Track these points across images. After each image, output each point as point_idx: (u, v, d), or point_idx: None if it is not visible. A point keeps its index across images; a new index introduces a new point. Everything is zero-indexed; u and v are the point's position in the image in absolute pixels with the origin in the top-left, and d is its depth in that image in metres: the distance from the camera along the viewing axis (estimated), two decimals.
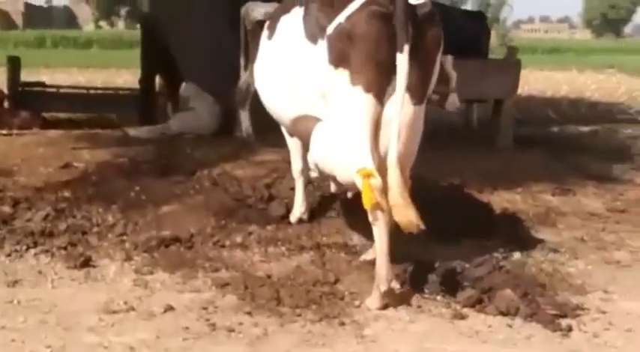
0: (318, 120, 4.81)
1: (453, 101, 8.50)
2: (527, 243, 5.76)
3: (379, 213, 4.43)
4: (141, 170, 7.35)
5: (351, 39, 4.41)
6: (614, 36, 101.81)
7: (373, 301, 4.58)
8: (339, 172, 4.74)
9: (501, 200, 6.79)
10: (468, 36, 10.28)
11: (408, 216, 4.31)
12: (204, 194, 6.62)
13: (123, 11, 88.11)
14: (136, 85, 11.93)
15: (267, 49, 5.41)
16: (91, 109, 11.83)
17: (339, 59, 4.48)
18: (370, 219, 4.49)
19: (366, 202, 4.37)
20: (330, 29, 4.53)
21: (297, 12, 4.93)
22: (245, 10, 7.39)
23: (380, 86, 4.44)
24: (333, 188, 5.65)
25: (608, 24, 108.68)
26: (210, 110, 9.60)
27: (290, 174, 6.32)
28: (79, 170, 7.34)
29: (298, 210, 6.14)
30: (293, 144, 5.91)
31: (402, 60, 4.29)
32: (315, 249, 5.58)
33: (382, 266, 4.52)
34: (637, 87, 23.85)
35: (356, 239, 5.78)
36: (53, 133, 9.51)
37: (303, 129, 5.06)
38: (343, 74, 4.47)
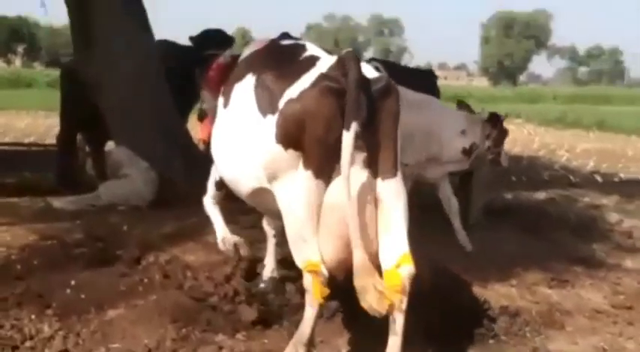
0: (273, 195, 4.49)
1: (506, 156, 8.00)
2: None
3: (319, 302, 4.24)
4: (74, 256, 6.27)
5: (302, 118, 4.11)
6: (510, 84, 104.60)
7: None
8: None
9: (497, 295, 5.99)
10: None
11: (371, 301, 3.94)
12: (156, 291, 5.58)
13: (20, 48, 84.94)
14: (46, 136, 10.65)
15: (223, 117, 5.05)
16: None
17: (288, 139, 4.19)
18: (308, 300, 4.31)
19: (316, 297, 4.20)
20: (281, 104, 4.24)
21: (250, 80, 4.66)
22: None
23: (330, 169, 4.13)
24: None
25: (504, 72, 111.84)
26: (145, 178, 8.47)
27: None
28: None
29: (221, 232, 5.95)
30: (216, 174, 5.70)
31: (348, 138, 3.95)
32: None
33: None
34: (549, 139, 23.99)
35: None
36: None
37: (261, 204, 4.86)
38: (293, 156, 4.19)
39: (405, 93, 7.43)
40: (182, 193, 8.13)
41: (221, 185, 5.66)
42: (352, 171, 4.01)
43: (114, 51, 8.65)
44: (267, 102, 4.38)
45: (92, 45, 8.72)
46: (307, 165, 4.13)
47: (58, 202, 8.20)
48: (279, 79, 4.39)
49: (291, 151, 4.18)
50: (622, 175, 16.48)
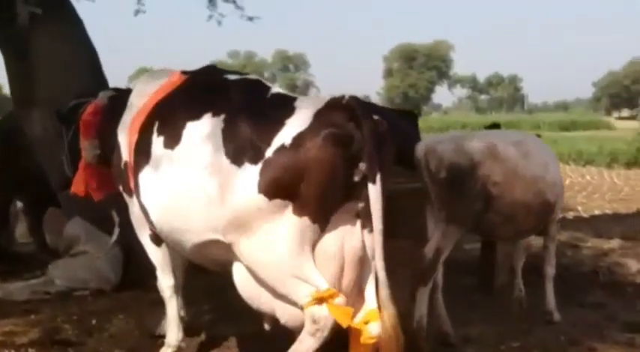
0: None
1: None
2: None
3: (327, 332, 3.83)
4: None
5: (302, 168, 3.78)
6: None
7: None
8: (282, 311, 4.02)
9: None
10: (406, 139, 8.53)
11: None
12: None
13: None
14: None
15: (167, 159, 4.39)
16: None
17: (276, 190, 3.82)
18: (310, 330, 3.85)
19: (343, 321, 3.78)
20: (269, 152, 3.86)
21: (213, 122, 4.17)
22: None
23: (327, 215, 3.86)
24: (267, 327, 4.46)
25: (408, 103, 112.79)
26: (107, 255, 6.95)
27: None
28: None
29: (174, 337, 5.15)
30: (160, 256, 5.13)
31: (376, 191, 3.76)
32: None
33: None
34: None
35: None
36: None
37: (209, 256, 4.31)
38: (281, 205, 3.82)
39: (532, 142, 6.16)
40: (152, 270, 6.73)
41: (159, 239, 4.98)
42: (343, 220, 3.89)
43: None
44: (243, 150, 3.95)
45: (34, 100, 7.27)
46: (302, 212, 3.81)
47: (1, 291, 6.70)
48: (259, 124, 3.96)
49: (276, 201, 3.82)
50: (580, 208, 15.91)
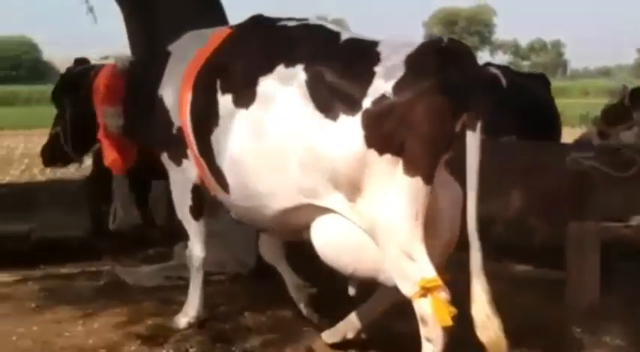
0: (321, 210, 3.84)
1: None
2: None
3: (441, 330, 3.55)
4: None
5: (407, 119, 3.54)
6: None
7: None
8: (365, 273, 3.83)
9: None
10: (544, 107, 7.94)
11: (494, 335, 3.50)
12: None
13: None
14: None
15: (240, 119, 4.13)
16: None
17: (385, 143, 3.59)
18: (426, 333, 3.59)
19: (443, 321, 3.51)
20: (367, 102, 3.62)
21: (288, 74, 3.90)
22: None
23: (435, 173, 3.65)
24: (352, 291, 4.14)
25: None
26: (244, 235, 5.85)
27: None
28: None
29: (193, 311, 4.95)
30: (198, 229, 4.98)
31: (475, 140, 3.57)
32: None
33: None
34: None
35: None
36: None
37: (293, 223, 4.05)
38: (392, 162, 3.59)
39: None
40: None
41: (199, 212, 4.94)
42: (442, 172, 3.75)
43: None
44: (336, 102, 3.69)
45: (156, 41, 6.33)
46: (414, 170, 3.58)
47: (130, 276, 5.99)
48: (347, 73, 3.73)
49: (387, 156, 3.58)
50: None
